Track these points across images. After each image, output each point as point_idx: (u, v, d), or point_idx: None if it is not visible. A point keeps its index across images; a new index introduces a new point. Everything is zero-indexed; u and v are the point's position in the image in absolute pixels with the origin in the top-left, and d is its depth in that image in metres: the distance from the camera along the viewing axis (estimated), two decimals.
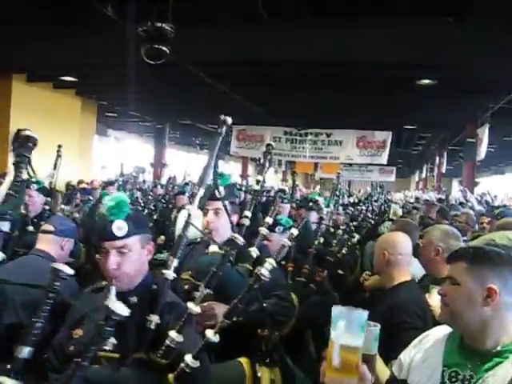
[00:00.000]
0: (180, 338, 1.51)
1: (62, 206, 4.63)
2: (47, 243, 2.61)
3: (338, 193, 5.84)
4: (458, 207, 7.37)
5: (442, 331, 1.49)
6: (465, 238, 3.54)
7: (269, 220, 2.32)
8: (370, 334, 1.26)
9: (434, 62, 6.00)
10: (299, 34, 5.66)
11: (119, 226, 1.69)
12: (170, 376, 1.51)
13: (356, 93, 8.39)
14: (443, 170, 14.75)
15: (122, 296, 1.63)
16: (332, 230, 4.55)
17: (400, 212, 6.99)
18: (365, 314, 1.18)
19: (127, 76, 6.18)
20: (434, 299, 2.19)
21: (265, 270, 1.49)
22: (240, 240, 1.68)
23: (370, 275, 3.62)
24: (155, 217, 5.24)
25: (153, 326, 1.60)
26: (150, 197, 6.11)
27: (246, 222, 2.33)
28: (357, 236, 4.75)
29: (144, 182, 8.64)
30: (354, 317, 1.17)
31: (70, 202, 5.22)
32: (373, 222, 6.07)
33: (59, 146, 4.36)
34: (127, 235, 1.70)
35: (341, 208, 5.80)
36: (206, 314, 1.97)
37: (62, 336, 1.76)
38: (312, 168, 16.32)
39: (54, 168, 4.24)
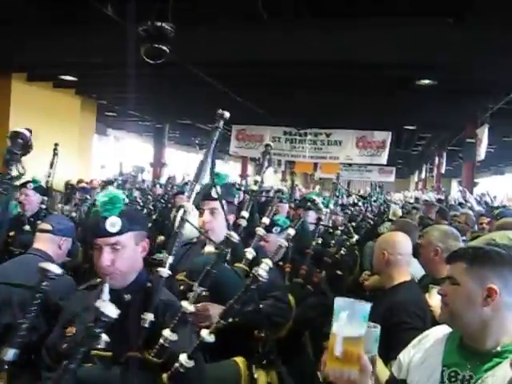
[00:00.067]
0: (174, 337, 1.49)
1: (59, 205, 4.63)
2: (45, 242, 2.60)
3: (337, 193, 5.85)
4: (458, 207, 7.38)
5: (441, 331, 1.49)
6: (464, 237, 3.54)
7: (266, 220, 2.32)
8: (370, 335, 1.25)
9: (433, 62, 6.00)
10: (299, 33, 5.66)
11: (112, 222, 1.66)
12: (164, 376, 1.50)
13: (356, 93, 8.39)
14: (443, 171, 14.76)
15: (115, 293, 1.62)
16: (331, 230, 4.54)
17: (400, 212, 6.99)
18: (368, 305, 1.18)
19: (127, 75, 6.17)
20: (433, 299, 2.19)
21: (262, 271, 1.47)
22: (235, 238, 1.66)
23: (370, 275, 3.63)
24: (154, 216, 5.23)
25: (147, 325, 1.58)
26: (149, 196, 6.11)
27: (243, 222, 2.32)
28: (356, 236, 4.74)
29: (143, 181, 8.64)
30: (357, 308, 1.17)
31: (68, 202, 5.22)
32: (372, 222, 6.08)
33: (56, 145, 4.35)
34: (121, 232, 1.67)
35: (339, 208, 5.80)
36: (201, 314, 1.95)
37: (55, 334, 1.75)
38: (311, 168, 16.32)
39: (51, 167, 4.23)
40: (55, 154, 4.31)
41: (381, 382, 1.58)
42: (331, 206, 4.96)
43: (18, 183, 3.98)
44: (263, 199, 4.61)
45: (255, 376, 2.12)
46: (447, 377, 1.36)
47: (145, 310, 1.60)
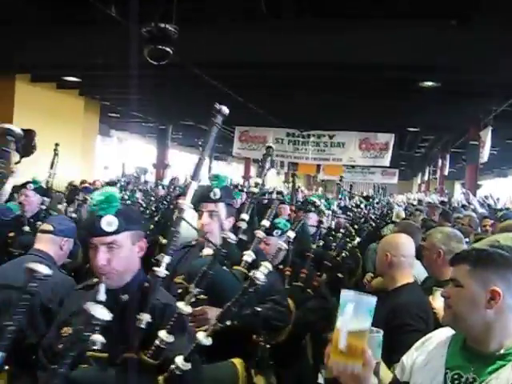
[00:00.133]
0: (170, 339, 1.47)
1: (63, 205, 4.61)
2: (46, 243, 2.58)
3: (340, 195, 5.85)
4: (461, 210, 7.36)
5: (444, 333, 1.49)
6: (467, 239, 3.53)
7: (266, 223, 2.27)
8: (373, 340, 1.25)
9: (436, 64, 6.00)
10: (301, 35, 5.67)
11: (109, 222, 1.63)
12: (161, 378, 1.47)
13: (358, 95, 8.39)
14: (446, 173, 14.73)
15: (112, 293, 1.62)
16: (333, 232, 4.52)
17: (403, 214, 6.98)
18: (374, 298, 1.17)
19: (130, 77, 6.18)
20: (437, 302, 2.18)
21: (260, 274, 1.45)
22: (232, 239, 1.64)
23: (373, 277, 3.61)
24: (156, 218, 5.23)
25: (143, 325, 1.55)
26: (151, 197, 6.10)
27: (243, 225, 2.29)
28: (357, 239, 4.72)
29: (146, 182, 8.65)
30: (363, 301, 1.16)
31: (71, 202, 5.22)
32: (374, 224, 6.05)
33: (56, 145, 4.33)
34: (117, 231, 1.64)
35: (340, 211, 5.77)
36: (199, 318, 1.94)
37: (52, 335, 1.73)
38: (314, 170, 16.31)
39: (51, 167, 4.21)
40: (55, 154, 4.29)
41: None
42: (334, 207, 4.95)
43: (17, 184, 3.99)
44: (265, 201, 4.60)
45: (254, 380, 2.10)
46: (450, 379, 1.35)
47: (142, 310, 1.58)
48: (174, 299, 1.71)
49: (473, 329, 1.34)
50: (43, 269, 1.45)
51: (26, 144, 8.43)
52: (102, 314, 1.20)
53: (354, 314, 1.14)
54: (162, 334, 1.47)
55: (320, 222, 4.14)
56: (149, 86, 8.31)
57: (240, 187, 8.34)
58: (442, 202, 8.98)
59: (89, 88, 10.10)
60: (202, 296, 1.97)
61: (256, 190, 2.41)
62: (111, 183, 6.63)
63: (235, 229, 2.31)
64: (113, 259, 1.64)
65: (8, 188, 4.08)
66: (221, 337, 1.51)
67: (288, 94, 8.88)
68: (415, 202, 11.31)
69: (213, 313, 1.90)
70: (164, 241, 4.57)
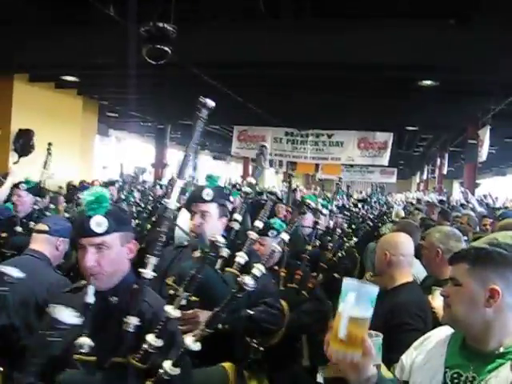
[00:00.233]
0: (158, 343, 1.43)
1: (52, 206, 4.59)
2: (41, 243, 2.55)
3: (338, 196, 5.84)
4: (460, 209, 7.37)
5: (443, 332, 1.49)
6: (465, 237, 3.53)
7: (259, 224, 2.23)
8: (373, 344, 1.25)
9: (435, 63, 6.00)
10: (300, 35, 5.67)
11: (98, 222, 1.60)
12: (149, 383, 1.44)
13: (357, 94, 8.39)
14: (444, 172, 14.74)
15: (101, 295, 1.60)
16: (330, 232, 4.48)
17: (402, 213, 6.98)
18: (376, 288, 1.16)
19: (129, 76, 6.18)
20: (436, 301, 2.19)
21: (248, 279, 1.41)
22: (221, 242, 1.60)
23: (372, 276, 3.61)
24: (154, 218, 5.21)
25: (131, 329, 1.51)
26: (150, 197, 6.08)
27: (236, 225, 2.26)
28: (354, 238, 4.70)
29: (144, 182, 8.63)
30: (365, 290, 1.15)
31: (70, 202, 5.22)
32: (371, 223, 6.04)
33: (49, 144, 4.29)
34: (106, 232, 1.61)
35: (338, 210, 5.74)
36: (191, 321, 1.91)
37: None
38: (313, 169, 16.32)
39: (44, 166, 4.17)
40: (49, 154, 4.25)
41: None
42: (333, 207, 4.93)
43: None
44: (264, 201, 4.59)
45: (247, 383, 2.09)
46: (450, 378, 1.36)
47: (131, 313, 1.54)
48: (163, 302, 1.67)
49: (472, 327, 1.34)
50: (14, 272, 1.41)
51: (24, 144, 8.47)
52: (69, 318, 1.15)
53: (356, 302, 1.13)
54: (150, 337, 1.43)
55: (316, 222, 4.12)
56: (147, 86, 8.31)
57: (238, 187, 8.34)
58: (441, 201, 8.99)
59: (87, 88, 10.09)
60: (193, 298, 1.95)
61: (249, 190, 2.37)
62: (110, 183, 6.62)
63: (228, 229, 2.27)
64: (101, 260, 1.61)
65: (6, 188, 4.07)
66: (213, 340, 1.48)
67: (287, 93, 8.88)
68: (414, 201, 11.32)
69: (204, 316, 1.87)
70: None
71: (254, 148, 12.48)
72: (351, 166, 16.33)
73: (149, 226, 4.47)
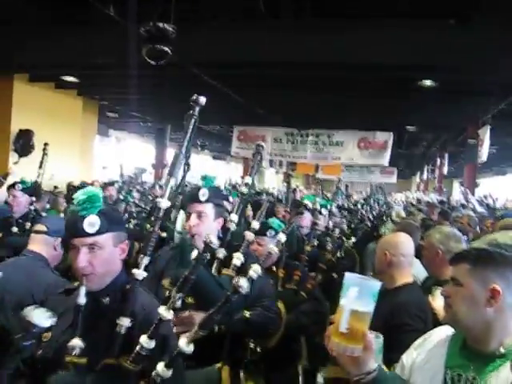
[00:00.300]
0: (151, 344, 1.42)
1: (47, 206, 4.56)
2: (39, 244, 2.53)
3: (337, 196, 5.83)
4: (460, 209, 7.37)
5: (444, 332, 1.49)
6: (465, 238, 3.53)
7: (255, 224, 2.23)
8: (374, 345, 1.25)
9: (435, 63, 6.00)
10: (300, 35, 5.66)
11: (91, 222, 1.58)
12: None
13: (357, 94, 8.39)
14: (444, 172, 14.74)
15: (93, 296, 1.59)
16: (330, 232, 4.46)
17: (403, 213, 6.97)
18: (378, 283, 1.17)
19: (129, 76, 6.18)
20: (437, 301, 2.19)
21: (243, 282, 1.39)
22: (215, 243, 1.57)
23: (372, 276, 3.60)
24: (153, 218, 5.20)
25: (123, 330, 1.50)
26: (149, 197, 6.09)
27: (232, 226, 2.24)
28: (353, 238, 4.68)
29: (144, 182, 8.63)
30: (367, 285, 1.16)
31: (70, 202, 5.21)
32: (369, 224, 6.02)
33: (45, 144, 4.24)
34: (99, 232, 1.59)
35: (337, 210, 5.73)
36: (186, 323, 1.90)
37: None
38: (313, 169, 16.31)
39: (40, 166, 4.11)
40: (45, 154, 4.19)
41: None
42: (333, 208, 4.91)
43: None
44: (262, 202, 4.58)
45: None
46: (450, 378, 1.36)
47: (123, 314, 1.53)
48: (157, 303, 1.65)
49: (473, 328, 1.34)
50: None
51: (24, 144, 8.47)
52: (42, 321, 1.13)
53: (358, 296, 1.14)
54: (143, 339, 1.42)
55: (314, 223, 4.10)
56: (147, 86, 8.30)
57: (238, 187, 8.33)
58: (441, 201, 8.99)
59: (87, 88, 10.08)
60: (189, 300, 1.95)
61: (246, 190, 2.36)
62: (109, 183, 6.62)
63: (224, 230, 2.25)
64: (94, 261, 1.59)
65: (5, 189, 4.07)
66: (210, 341, 1.47)
67: (287, 93, 8.87)
68: (414, 201, 11.32)
69: (200, 318, 1.86)
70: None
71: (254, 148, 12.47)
72: (351, 166, 16.31)
73: (148, 226, 4.47)
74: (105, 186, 6.48)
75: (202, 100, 1.79)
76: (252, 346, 2.43)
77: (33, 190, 3.87)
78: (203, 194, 2.21)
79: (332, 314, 1.20)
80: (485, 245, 1.41)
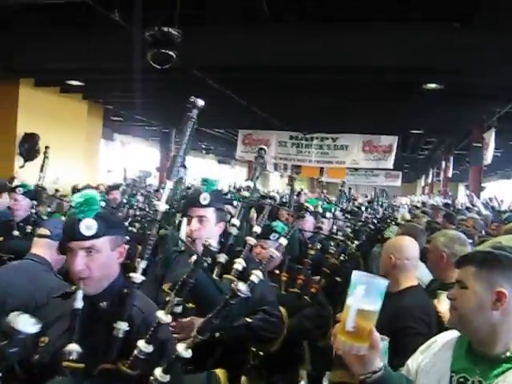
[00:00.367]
0: (149, 349, 1.40)
1: (49, 209, 4.56)
2: (42, 248, 2.51)
3: (341, 199, 5.81)
4: (465, 212, 7.34)
5: (449, 336, 1.48)
6: (470, 241, 3.52)
7: (257, 229, 2.21)
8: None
9: (439, 66, 5.99)
10: (303, 38, 5.68)
11: (88, 225, 1.56)
12: None
13: (361, 98, 8.39)
14: (449, 175, 14.69)
15: (90, 300, 1.57)
16: (333, 236, 4.43)
17: (408, 216, 6.95)
18: (385, 282, 1.16)
19: (134, 80, 6.21)
20: (442, 305, 2.18)
21: (242, 286, 1.38)
22: (214, 247, 1.56)
23: None
24: None
25: (120, 334, 1.48)
26: (152, 200, 6.08)
27: (234, 230, 2.22)
28: (356, 242, 4.65)
29: (149, 185, 8.63)
30: (374, 283, 1.16)
31: None
32: (372, 227, 5.99)
33: (46, 148, 4.21)
34: (96, 235, 1.57)
35: (340, 213, 5.70)
36: (187, 329, 1.88)
37: (29, 344, 1.60)
38: (318, 172, 16.32)
39: (41, 170, 4.06)
40: (46, 157, 4.16)
41: None
42: (337, 212, 4.90)
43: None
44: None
45: None
46: (456, 382, 1.35)
47: (120, 318, 1.52)
48: (155, 307, 1.64)
49: (479, 331, 1.33)
50: None
51: (30, 148, 8.51)
52: (26, 327, 1.11)
53: (365, 295, 1.14)
54: (141, 343, 1.40)
55: (318, 227, 4.08)
56: (152, 90, 8.34)
57: (242, 190, 8.30)
58: (446, 204, 8.96)
59: (92, 92, 10.14)
60: (190, 305, 1.93)
61: (247, 194, 2.34)
62: (114, 187, 6.63)
63: (226, 235, 2.23)
64: (91, 264, 1.57)
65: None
66: (211, 345, 1.45)
67: (291, 97, 8.88)
68: (419, 205, 11.29)
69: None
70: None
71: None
72: (356, 169, 16.30)
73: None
74: (109, 189, 6.50)
75: (200, 102, 1.77)
76: (254, 350, 2.42)
77: (34, 193, 3.85)
78: (204, 198, 2.18)
79: (335, 319, 1.20)
80: (489, 248, 1.41)
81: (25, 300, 2.19)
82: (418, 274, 2.59)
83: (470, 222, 5.45)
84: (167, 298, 1.88)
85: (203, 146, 19.31)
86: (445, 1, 5.10)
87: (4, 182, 5.06)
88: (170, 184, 1.71)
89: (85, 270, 1.56)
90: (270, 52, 5.85)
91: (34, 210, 3.71)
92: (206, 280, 1.93)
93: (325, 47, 5.71)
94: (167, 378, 1.32)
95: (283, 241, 2.09)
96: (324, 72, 6.67)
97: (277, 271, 2.97)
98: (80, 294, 1.54)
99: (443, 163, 15.32)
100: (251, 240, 2.17)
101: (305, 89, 8.10)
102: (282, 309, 2.39)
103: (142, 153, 19.13)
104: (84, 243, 1.57)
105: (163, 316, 1.40)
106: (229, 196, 6.13)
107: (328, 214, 4.58)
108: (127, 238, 3.50)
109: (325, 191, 6.14)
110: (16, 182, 4.33)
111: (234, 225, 2.23)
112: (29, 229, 3.44)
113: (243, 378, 2.14)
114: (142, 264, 1.57)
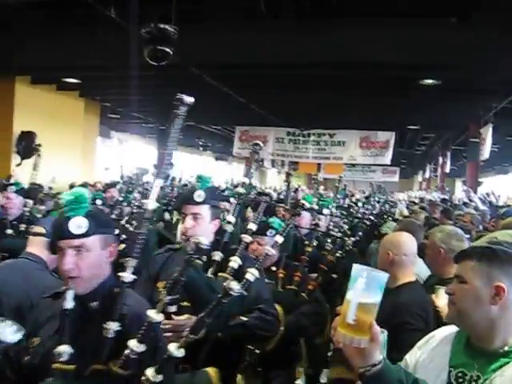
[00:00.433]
0: (141, 348, 1.38)
1: (42, 207, 4.55)
2: (37, 246, 2.48)
3: (338, 195, 5.81)
4: (462, 207, 7.36)
5: (447, 331, 1.49)
6: (468, 236, 3.53)
7: (252, 226, 2.19)
8: None
9: (437, 62, 5.99)
10: (300, 34, 5.66)
11: (78, 224, 1.53)
12: None
13: (358, 93, 8.39)
14: (447, 170, 14.71)
15: (80, 300, 1.55)
16: (330, 232, 4.42)
17: (406, 212, 6.96)
18: (385, 275, 1.17)
19: (130, 78, 6.19)
20: (440, 300, 2.18)
21: (234, 284, 1.36)
22: (204, 244, 1.53)
23: None
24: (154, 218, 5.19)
25: (110, 335, 1.46)
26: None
27: (229, 227, 2.21)
28: (352, 238, 4.64)
29: (145, 183, 8.60)
30: (374, 276, 1.16)
31: None
32: (369, 223, 5.99)
33: (38, 145, 4.21)
34: (86, 234, 1.54)
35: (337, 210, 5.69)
36: (183, 327, 1.86)
37: (19, 344, 1.62)
38: (315, 169, 16.32)
39: (34, 168, 4.06)
40: (38, 156, 4.14)
41: None
42: (333, 209, 4.89)
43: None
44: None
45: None
46: (454, 377, 1.35)
47: (111, 317, 1.49)
48: (147, 305, 1.61)
49: (477, 325, 1.34)
50: None
51: (27, 146, 8.48)
52: (7, 336, 1.10)
53: (365, 287, 1.14)
54: (132, 343, 1.38)
55: (316, 224, 4.07)
56: (149, 87, 8.32)
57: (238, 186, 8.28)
58: (443, 200, 8.98)
59: (89, 89, 10.10)
60: (185, 303, 1.92)
61: (242, 191, 2.32)
62: (111, 184, 6.61)
63: (220, 232, 2.21)
64: (80, 263, 1.55)
65: None
66: (205, 344, 1.44)
67: (288, 93, 8.87)
68: (416, 200, 11.31)
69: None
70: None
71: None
72: (353, 165, 16.32)
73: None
74: (107, 187, 6.48)
75: (188, 99, 1.75)
76: (250, 347, 2.41)
77: (27, 191, 3.84)
78: (199, 195, 2.15)
79: (332, 316, 1.20)
80: (484, 243, 1.41)
81: (20, 299, 2.17)
82: (416, 270, 2.60)
83: (468, 218, 5.47)
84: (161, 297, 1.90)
85: (200, 143, 19.27)
86: None
87: (1, 181, 5.05)
88: (158, 182, 1.69)
89: (74, 269, 1.54)
90: (267, 48, 5.84)
91: (27, 208, 3.69)
92: (198, 278, 1.92)
93: (323, 43, 5.70)
94: (159, 377, 1.30)
95: (279, 238, 2.08)
96: (322, 68, 6.67)
97: (274, 268, 2.95)
98: (70, 294, 1.51)
99: (440, 159, 15.35)
100: (246, 238, 2.16)
101: (303, 84, 8.10)
102: (277, 307, 2.38)
103: (139, 150, 19.09)
104: (73, 242, 1.54)
105: (154, 315, 1.38)
106: (226, 193, 6.11)
107: (325, 211, 4.57)
108: (124, 236, 3.51)
109: (322, 187, 6.13)
110: (13, 181, 4.32)
111: (229, 222, 2.21)
112: (22, 227, 3.44)
113: (239, 377, 2.13)
114: (132, 262, 1.54)
